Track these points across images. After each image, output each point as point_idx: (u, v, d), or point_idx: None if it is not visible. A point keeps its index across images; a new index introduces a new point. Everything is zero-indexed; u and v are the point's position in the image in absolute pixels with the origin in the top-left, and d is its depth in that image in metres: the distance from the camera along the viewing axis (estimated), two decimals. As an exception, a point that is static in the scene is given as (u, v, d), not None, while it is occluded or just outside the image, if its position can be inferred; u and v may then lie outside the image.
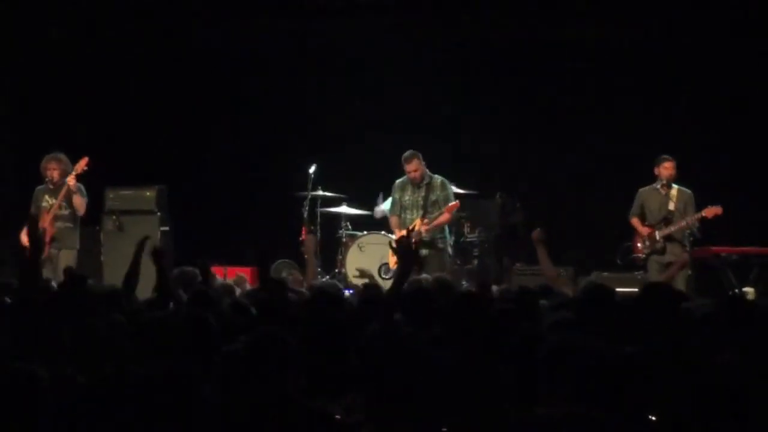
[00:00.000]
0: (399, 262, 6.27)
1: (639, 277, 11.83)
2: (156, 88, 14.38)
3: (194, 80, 14.45)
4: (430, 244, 11.50)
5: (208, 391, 4.13)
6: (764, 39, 13.11)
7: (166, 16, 14.28)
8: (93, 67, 14.21)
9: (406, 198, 11.73)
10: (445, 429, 4.37)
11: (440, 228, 11.63)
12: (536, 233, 8.14)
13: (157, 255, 7.12)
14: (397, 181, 11.91)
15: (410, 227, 11.26)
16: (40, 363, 4.39)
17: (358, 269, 11.51)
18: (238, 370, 4.58)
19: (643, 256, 11.61)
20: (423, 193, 11.62)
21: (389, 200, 13.15)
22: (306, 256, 9.13)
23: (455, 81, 14.13)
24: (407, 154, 11.66)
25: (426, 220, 11.47)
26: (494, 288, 7.83)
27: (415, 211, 11.64)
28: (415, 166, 11.58)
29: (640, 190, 11.79)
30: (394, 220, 11.85)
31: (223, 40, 14.49)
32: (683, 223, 11.32)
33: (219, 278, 8.34)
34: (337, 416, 4.37)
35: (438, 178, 11.67)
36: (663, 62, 13.64)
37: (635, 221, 11.73)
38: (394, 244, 6.57)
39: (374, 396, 4.38)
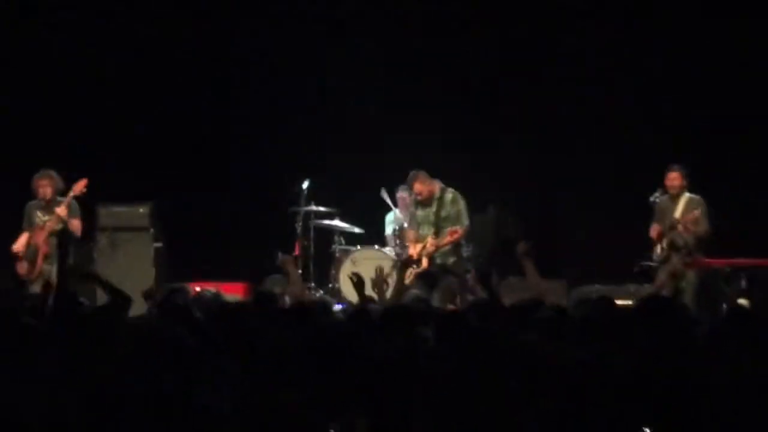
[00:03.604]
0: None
1: (632, 289, 11.82)
2: (147, 104, 14.37)
3: (186, 96, 14.43)
4: (445, 267, 11.24)
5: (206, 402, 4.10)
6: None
7: (157, 31, 14.28)
8: (84, 82, 14.19)
9: (419, 213, 11.52)
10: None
11: (453, 248, 11.38)
12: (521, 247, 8.10)
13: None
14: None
15: (423, 243, 11.20)
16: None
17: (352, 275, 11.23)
18: (237, 381, 4.57)
19: (656, 265, 11.55)
20: (434, 209, 11.35)
21: (389, 217, 13.14)
22: (288, 273, 9.14)
23: (449, 93, 14.14)
24: (409, 176, 11.46)
25: (435, 240, 11.28)
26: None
27: (426, 227, 11.37)
28: (417, 189, 11.37)
29: (652, 200, 11.68)
30: (410, 234, 11.59)
31: (215, 55, 14.49)
32: (678, 230, 11.31)
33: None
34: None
35: (449, 194, 11.37)
36: (660, 73, 13.67)
37: (653, 227, 11.63)
38: (352, 277, 7.63)
39: (377, 414, 4.36)
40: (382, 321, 6.28)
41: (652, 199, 11.65)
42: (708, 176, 12.47)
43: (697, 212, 11.26)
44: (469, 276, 11.82)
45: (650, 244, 11.62)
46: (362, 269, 12.19)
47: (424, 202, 11.41)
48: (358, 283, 7.63)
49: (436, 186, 11.38)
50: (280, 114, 14.40)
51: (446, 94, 14.14)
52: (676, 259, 11.34)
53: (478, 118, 14.05)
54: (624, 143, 13.62)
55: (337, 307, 10.63)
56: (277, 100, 14.42)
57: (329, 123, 14.28)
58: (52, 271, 10.97)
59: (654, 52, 13.72)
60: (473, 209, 12.43)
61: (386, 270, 11.96)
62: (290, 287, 9.08)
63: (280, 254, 9.26)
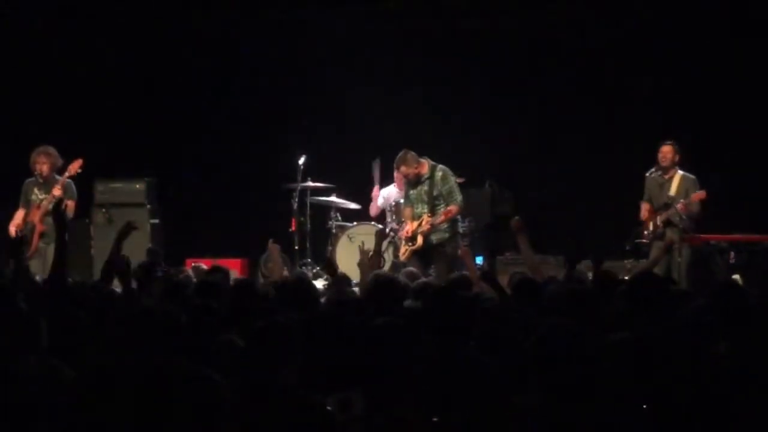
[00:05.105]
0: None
1: (629, 266, 11.82)
2: (144, 80, 14.36)
3: (182, 72, 14.43)
4: (437, 245, 11.24)
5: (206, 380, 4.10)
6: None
7: (153, 7, 14.26)
8: (81, 57, 14.17)
9: (411, 192, 11.47)
10: (435, 419, 4.37)
11: (449, 225, 11.35)
12: (514, 222, 8.08)
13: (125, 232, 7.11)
14: None
15: (419, 221, 11.20)
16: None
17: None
18: (237, 359, 4.59)
19: (648, 241, 11.58)
20: (426, 188, 11.28)
21: (384, 192, 13.13)
22: (270, 263, 9.62)
23: (445, 69, 14.11)
24: (397, 157, 11.40)
25: (431, 219, 11.27)
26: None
27: (420, 205, 11.35)
28: (404, 172, 11.38)
29: (646, 175, 11.75)
30: (407, 212, 11.53)
31: (210, 32, 14.46)
32: (676, 208, 11.33)
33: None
34: (328, 408, 4.37)
35: (439, 172, 11.28)
36: (657, 49, 13.65)
37: (642, 206, 11.71)
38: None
39: (375, 391, 4.38)
40: (373, 296, 6.32)
41: (647, 174, 11.70)
42: (704, 151, 12.49)
43: (684, 202, 11.28)
44: (459, 251, 11.84)
45: (640, 222, 11.69)
46: (358, 245, 12.23)
47: (413, 182, 11.39)
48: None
49: (425, 166, 11.30)
50: (278, 89, 14.38)
51: (443, 70, 14.12)
52: (671, 233, 11.34)
53: (474, 93, 14.02)
54: (621, 118, 13.62)
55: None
56: (276, 76, 14.41)
57: (326, 98, 14.24)
58: (48, 250, 10.97)
59: (648, 28, 13.71)
60: (470, 185, 12.45)
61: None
62: (271, 273, 9.58)
63: (270, 241, 9.39)
